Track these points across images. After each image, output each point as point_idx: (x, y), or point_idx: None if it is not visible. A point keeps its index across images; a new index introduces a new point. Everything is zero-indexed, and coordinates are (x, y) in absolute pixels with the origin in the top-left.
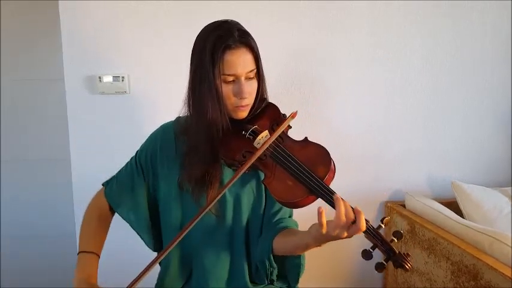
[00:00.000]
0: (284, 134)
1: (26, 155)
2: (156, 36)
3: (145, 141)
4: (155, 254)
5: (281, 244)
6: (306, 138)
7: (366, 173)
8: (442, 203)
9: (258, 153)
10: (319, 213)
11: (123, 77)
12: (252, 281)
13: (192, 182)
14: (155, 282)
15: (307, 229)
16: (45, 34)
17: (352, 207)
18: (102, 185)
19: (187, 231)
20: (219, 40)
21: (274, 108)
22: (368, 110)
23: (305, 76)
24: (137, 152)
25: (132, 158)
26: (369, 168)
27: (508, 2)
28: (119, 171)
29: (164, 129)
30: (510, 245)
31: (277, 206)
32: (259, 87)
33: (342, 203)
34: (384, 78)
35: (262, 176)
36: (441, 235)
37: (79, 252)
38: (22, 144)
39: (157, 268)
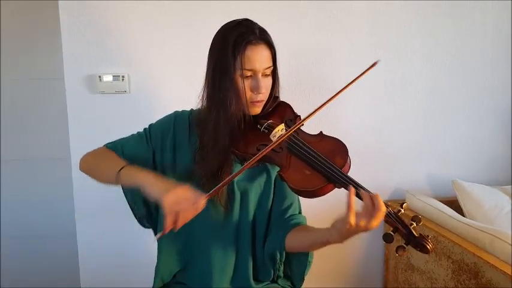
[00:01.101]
0: (299, 128)
1: (26, 154)
2: (157, 36)
3: (158, 120)
4: (155, 255)
5: (295, 240)
6: (321, 132)
7: (366, 172)
8: (442, 202)
9: (280, 141)
10: (350, 192)
11: (123, 76)
12: (255, 279)
13: (205, 175)
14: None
15: (314, 225)
16: (45, 34)
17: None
18: (104, 145)
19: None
20: (241, 36)
21: (286, 105)
22: (368, 109)
23: (305, 76)
24: (145, 128)
25: (139, 131)
26: (369, 167)
27: (508, 2)
28: (122, 138)
29: (178, 115)
30: (511, 243)
31: (287, 202)
32: (273, 84)
33: (367, 193)
34: (384, 78)
35: (275, 171)
36: (442, 233)
37: (121, 168)
38: (22, 144)
39: (150, 268)
